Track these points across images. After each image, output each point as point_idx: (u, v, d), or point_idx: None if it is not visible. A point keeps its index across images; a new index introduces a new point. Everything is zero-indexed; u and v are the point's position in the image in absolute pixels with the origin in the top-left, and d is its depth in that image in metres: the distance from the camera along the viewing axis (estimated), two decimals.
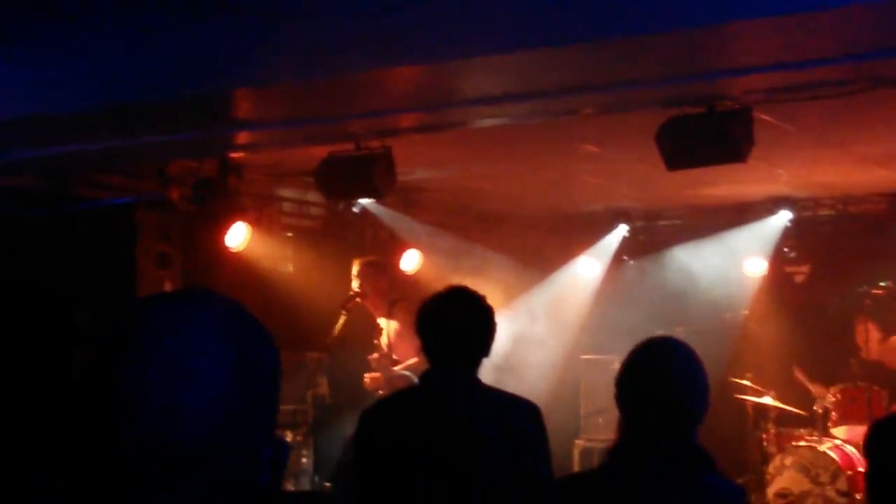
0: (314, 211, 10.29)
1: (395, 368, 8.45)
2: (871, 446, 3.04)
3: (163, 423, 1.32)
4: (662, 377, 3.19)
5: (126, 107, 5.89)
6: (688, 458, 3.15)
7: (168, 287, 8.46)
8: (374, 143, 7.20)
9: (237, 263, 8.81)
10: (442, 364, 4.14)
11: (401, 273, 10.73)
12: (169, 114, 6.17)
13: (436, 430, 4.02)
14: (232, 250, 8.72)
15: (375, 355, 8.65)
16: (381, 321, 8.74)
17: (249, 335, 1.45)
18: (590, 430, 11.22)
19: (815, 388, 9.86)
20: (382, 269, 8.98)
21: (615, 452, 3.28)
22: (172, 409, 1.33)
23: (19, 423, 2.34)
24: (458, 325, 4.15)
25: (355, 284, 8.60)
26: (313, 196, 9.53)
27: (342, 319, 8.52)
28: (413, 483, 4.00)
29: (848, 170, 9.51)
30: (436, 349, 4.16)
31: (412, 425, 4.09)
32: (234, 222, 8.67)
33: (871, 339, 9.81)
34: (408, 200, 10.47)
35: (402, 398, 4.31)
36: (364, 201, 9.67)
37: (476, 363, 4.18)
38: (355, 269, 8.71)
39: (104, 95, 5.78)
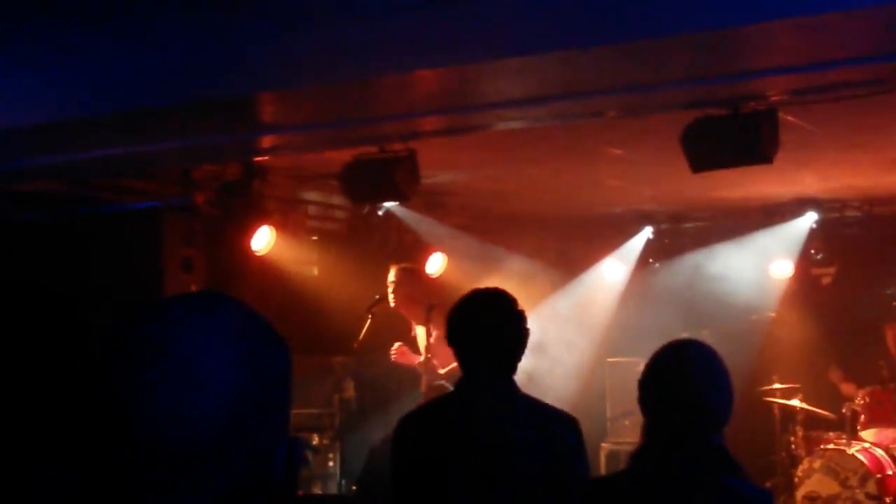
0: (339, 214, 10.30)
1: (441, 371, 8.42)
2: None
3: (167, 425, 1.32)
4: (685, 379, 3.20)
5: (150, 111, 5.91)
6: (712, 461, 3.15)
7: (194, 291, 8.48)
8: (398, 146, 7.21)
9: (262, 267, 8.83)
10: (475, 371, 4.09)
11: (426, 276, 10.73)
12: (193, 118, 6.19)
13: (469, 437, 3.99)
14: (257, 254, 8.74)
15: (396, 345, 8.66)
16: (419, 328, 8.74)
17: (258, 337, 1.44)
18: (616, 432, 11.18)
19: (848, 389, 9.80)
20: (418, 276, 8.99)
21: (639, 456, 3.28)
22: (177, 412, 1.32)
23: (20, 424, 2.35)
24: (488, 328, 4.06)
25: (391, 290, 8.61)
26: (338, 199, 9.55)
27: (368, 323, 8.52)
28: (447, 491, 3.98)
29: (874, 171, 9.45)
30: (467, 355, 4.10)
31: (446, 433, 4.06)
32: (258, 226, 8.69)
33: None
34: (432, 203, 10.47)
35: (437, 406, 4.29)
36: (388, 204, 9.68)
37: (510, 368, 4.09)
38: (391, 275, 8.71)
39: (127, 100, 5.80)
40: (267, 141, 7.40)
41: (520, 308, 4.18)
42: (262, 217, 8.72)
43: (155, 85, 5.68)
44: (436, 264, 10.81)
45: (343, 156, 7.50)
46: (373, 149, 7.28)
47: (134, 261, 8.24)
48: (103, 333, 1.41)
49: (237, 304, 1.47)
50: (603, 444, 11.22)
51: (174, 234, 8.53)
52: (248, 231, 8.64)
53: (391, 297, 8.64)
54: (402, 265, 8.87)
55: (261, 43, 5.38)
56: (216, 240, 8.74)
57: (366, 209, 9.92)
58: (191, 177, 8.38)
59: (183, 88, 5.64)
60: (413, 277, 8.80)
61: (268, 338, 1.47)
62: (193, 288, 8.52)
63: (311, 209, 10.10)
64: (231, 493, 1.36)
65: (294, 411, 8.84)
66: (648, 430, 3.28)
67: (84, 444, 1.35)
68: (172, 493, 1.32)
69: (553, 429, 4.02)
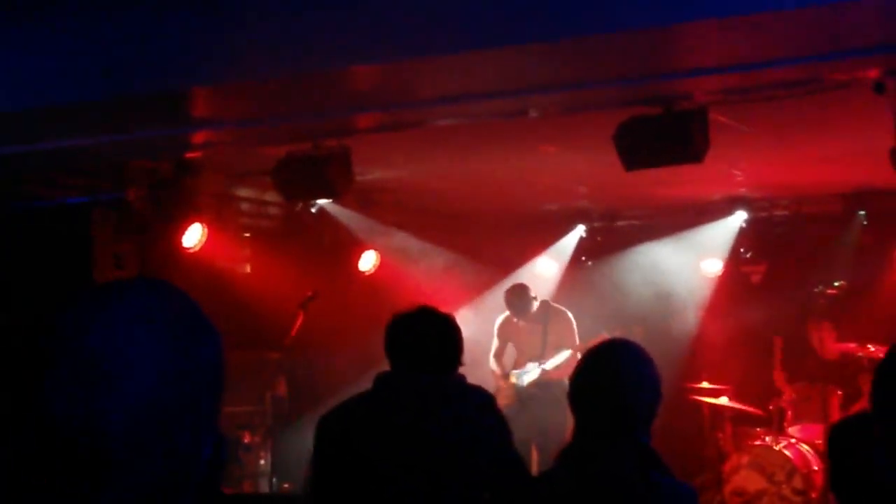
0: (272, 211, 10.24)
1: None
2: (829, 449, 3.08)
3: (81, 424, 1.24)
4: (611, 378, 3.25)
5: (81, 106, 5.83)
6: (638, 459, 3.19)
7: None
8: (332, 143, 7.18)
9: (194, 264, 8.76)
10: (400, 370, 4.12)
11: (358, 273, 10.72)
12: (125, 113, 6.12)
13: (390, 429, 4.00)
14: (189, 250, 8.67)
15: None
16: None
17: (186, 328, 1.38)
18: None
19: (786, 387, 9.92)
20: None
21: (565, 453, 3.31)
22: (90, 410, 1.25)
23: None
24: (425, 349, 4.11)
25: None
26: (271, 196, 9.50)
27: (300, 319, 8.50)
28: (371, 484, 3.98)
29: (803, 170, 9.59)
30: (399, 365, 4.13)
31: (367, 428, 4.06)
32: (190, 222, 8.63)
33: (826, 339, 9.89)
34: (366, 200, 10.45)
35: (356, 402, 4.27)
36: (322, 201, 9.66)
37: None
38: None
39: (59, 95, 5.72)
40: (199, 137, 7.35)
41: (456, 325, 4.24)
42: (194, 213, 8.65)
43: (86, 80, 5.61)
44: (368, 262, 10.80)
45: (277, 152, 7.46)
46: (306, 145, 7.25)
47: (65, 256, 8.13)
48: (25, 329, 1.35)
49: (167, 292, 1.40)
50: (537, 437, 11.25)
51: (105, 229, 8.43)
52: (180, 227, 8.57)
53: None
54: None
55: (194, 38, 5.34)
56: (148, 236, 8.66)
57: (299, 206, 9.89)
58: (123, 172, 8.29)
59: (115, 83, 5.58)
60: None
61: (197, 328, 1.40)
62: None
63: (244, 206, 10.04)
64: (152, 491, 1.31)
65: (225, 408, 8.85)
66: (577, 429, 3.32)
67: None
68: (89, 493, 1.28)
69: (471, 411, 4.08)
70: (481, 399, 4.15)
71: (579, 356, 8.11)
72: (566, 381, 3.35)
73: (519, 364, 9.84)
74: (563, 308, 9.95)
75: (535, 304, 9.80)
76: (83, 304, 1.35)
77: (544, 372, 9.62)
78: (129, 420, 1.28)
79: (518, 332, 9.90)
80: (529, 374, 9.69)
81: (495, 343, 10.04)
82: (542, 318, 9.77)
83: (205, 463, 1.36)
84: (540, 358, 9.67)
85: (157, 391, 1.29)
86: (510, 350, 10.04)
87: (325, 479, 4.10)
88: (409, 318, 4.19)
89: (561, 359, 9.55)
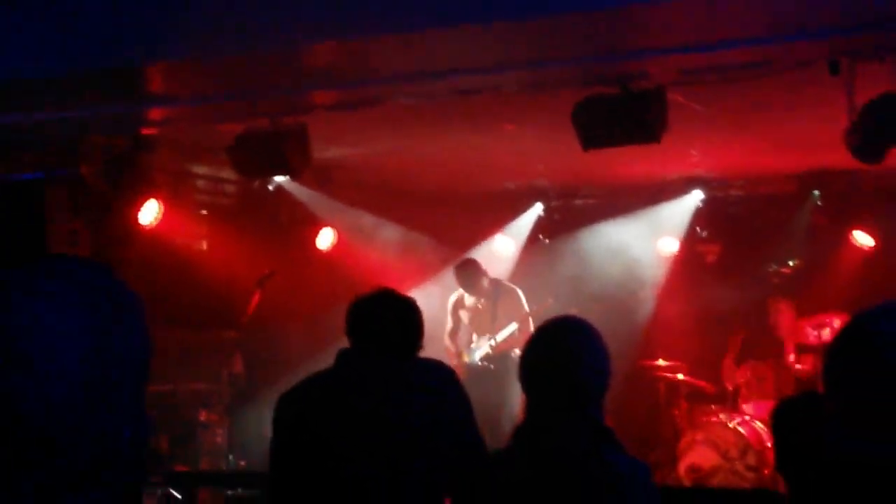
0: (229, 188, 10.19)
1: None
2: (774, 427, 3.11)
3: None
4: (561, 354, 3.27)
5: (36, 81, 5.78)
6: (590, 435, 3.21)
7: None
8: (289, 120, 7.15)
9: (150, 241, 8.71)
10: (361, 351, 4.11)
11: (316, 251, 10.69)
12: (80, 88, 6.07)
13: (350, 407, 3.99)
14: (144, 227, 8.61)
15: None
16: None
17: (109, 312, 1.35)
18: None
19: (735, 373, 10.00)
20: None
21: (518, 431, 3.33)
22: (6, 391, 1.22)
23: None
24: (386, 332, 4.09)
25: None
26: (228, 173, 9.44)
27: (257, 297, 8.48)
28: (332, 463, 3.97)
29: (758, 151, 9.66)
30: (359, 346, 4.12)
31: (326, 406, 4.05)
32: (146, 199, 8.56)
33: (784, 318, 9.99)
34: (324, 178, 10.41)
35: (315, 380, 4.26)
36: (279, 179, 9.62)
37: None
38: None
39: (13, 69, 5.66)
40: (155, 113, 7.30)
41: (417, 308, 4.23)
42: (150, 190, 8.59)
43: (43, 54, 5.56)
44: (326, 239, 10.78)
45: (234, 129, 7.41)
46: (263, 122, 7.21)
47: (17, 233, 8.05)
48: None
49: (93, 272, 1.38)
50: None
51: (60, 206, 8.36)
52: (136, 204, 8.50)
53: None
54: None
55: (150, 13, 5.30)
56: (103, 213, 8.59)
57: (256, 184, 9.84)
58: (78, 148, 8.21)
59: (70, 58, 5.53)
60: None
61: (123, 311, 1.38)
62: None
63: (201, 183, 9.97)
64: (76, 472, 1.29)
65: (182, 386, 8.78)
66: (529, 406, 3.34)
67: None
68: (13, 473, 1.26)
69: (433, 393, 4.07)
70: (443, 375, 4.15)
71: (532, 328, 8.16)
72: (517, 353, 3.35)
73: (471, 341, 10.06)
74: (514, 286, 10.14)
75: (486, 281, 9.91)
76: (5, 282, 1.32)
77: (495, 346, 9.84)
78: (47, 401, 1.25)
79: (470, 309, 10.10)
80: (481, 349, 9.91)
81: (449, 322, 10.19)
82: (492, 295, 9.95)
83: (126, 441, 1.34)
84: (490, 333, 9.87)
85: (79, 372, 1.27)
86: (464, 328, 10.19)
87: (284, 458, 4.09)
88: (371, 301, 4.18)
89: (509, 330, 9.77)
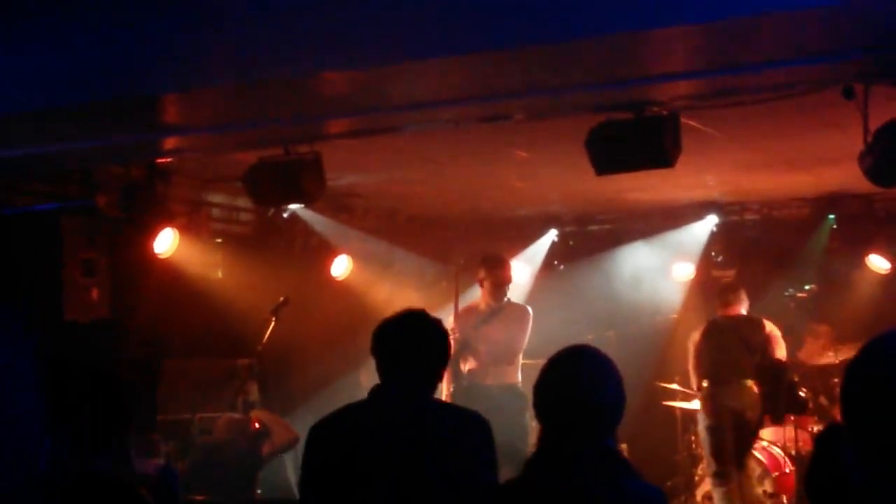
0: (244, 217, 10.22)
1: None
2: (814, 452, 3.09)
3: None
4: (573, 382, 3.28)
5: (51, 112, 5.80)
6: (604, 463, 3.21)
7: (95, 295, 8.35)
8: (304, 148, 7.17)
9: (165, 270, 8.73)
10: (392, 380, 4.11)
11: (331, 279, 10.70)
12: (95, 118, 6.10)
13: (384, 444, 3.99)
14: (160, 257, 8.63)
15: None
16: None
17: (9, 337, 1.39)
18: None
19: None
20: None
21: (532, 460, 3.32)
22: None
23: None
24: (413, 351, 4.11)
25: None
26: (243, 202, 9.47)
27: (272, 325, 8.48)
28: (360, 497, 3.97)
29: (772, 175, 9.64)
30: (390, 371, 4.13)
31: (359, 438, 4.05)
32: (162, 228, 8.58)
33: (821, 341, 10.00)
34: (338, 206, 10.44)
35: (349, 411, 4.26)
36: (294, 207, 9.64)
37: (430, 385, 4.16)
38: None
39: (29, 100, 5.69)
40: (171, 142, 7.31)
41: (444, 329, 4.24)
42: (165, 219, 8.61)
43: (57, 85, 5.58)
44: (341, 267, 10.79)
45: (249, 158, 7.44)
46: (278, 151, 7.23)
47: (34, 264, 8.08)
48: None
49: None
50: None
51: (75, 236, 8.38)
52: (152, 233, 8.52)
53: None
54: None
55: (165, 43, 5.32)
56: (118, 242, 8.61)
57: (271, 212, 9.87)
58: (93, 178, 8.24)
59: (85, 88, 5.55)
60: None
61: (19, 332, 1.41)
62: (95, 291, 8.38)
63: (216, 211, 10.00)
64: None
65: (199, 415, 8.76)
66: (543, 435, 3.34)
67: None
68: None
69: (463, 427, 4.07)
70: (476, 417, 4.14)
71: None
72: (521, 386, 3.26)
73: (475, 366, 8.99)
74: (525, 305, 9.33)
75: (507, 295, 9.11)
76: None
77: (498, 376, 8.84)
78: None
79: (477, 327, 9.04)
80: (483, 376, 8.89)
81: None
82: (498, 312, 9.01)
83: (46, 452, 1.39)
84: (498, 356, 8.90)
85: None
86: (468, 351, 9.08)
87: (313, 489, 4.09)
88: (398, 322, 4.20)
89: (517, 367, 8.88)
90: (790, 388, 9.10)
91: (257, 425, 8.30)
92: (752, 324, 9.27)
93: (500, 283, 8.99)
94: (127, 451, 3.54)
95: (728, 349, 9.12)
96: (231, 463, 7.66)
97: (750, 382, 8.98)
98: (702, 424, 9.12)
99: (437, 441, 4.00)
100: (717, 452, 8.93)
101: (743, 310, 9.37)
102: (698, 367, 9.20)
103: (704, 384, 9.05)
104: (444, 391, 8.67)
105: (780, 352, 9.12)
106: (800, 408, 9.24)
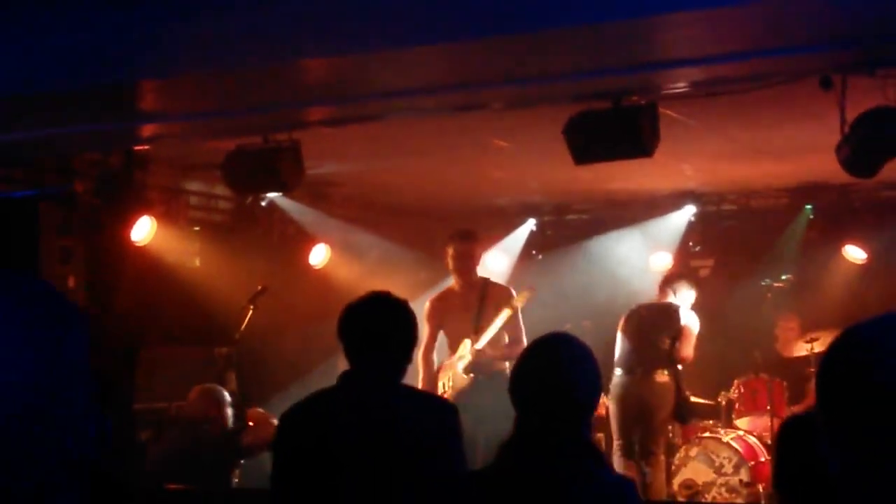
0: (222, 205, 10.19)
1: None
2: (778, 443, 3.12)
3: None
4: (549, 371, 3.29)
5: (28, 99, 5.77)
6: (576, 452, 3.23)
7: (72, 283, 8.31)
8: (282, 136, 7.16)
9: (143, 258, 8.70)
10: (360, 365, 4.12)
11: (309, 267, 10.68)
12: (72, 106, 6.07)
13: (355, 427, 4.00)
14: (137, 244, 8.61)
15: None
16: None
17: (51, 324, 1.36)
18: None
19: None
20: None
21: (506, 447, 3.33)
22: None
23: None
24: (380, 332, 4.12)
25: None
26: (221, 190, 9.44)
27: (250, 314, 8.47)
28: (333, 483, 3.97)
29: (750, 165, 9.68)
30: (358, 354, 4.14)
31: (331, 425, 4.06)
32: (139, 216, 8.56)
33: (792, 334, 10.03)
34: (316, 194, 10.42)
35: (320, 399, 4.27)
36: (272, 195, 9.62)
37: (398, 367, 4.16)
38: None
39: (2, 86, 5.66)
40: (148, 129, 7.29)
41: (411, 310, 4.25)
42: (143, 207, 8.59)
43: (34, 72, 5.56)
44: (319, 256, 10.77)
45: (227, 145, 7.42)
46: (256, 138, 7.21)
47: (9, 251, 8.02)
48: None
49: (29, 285, 1.39)
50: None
51: (51, 223, 8.34)
52: (129, 221, 8.49)
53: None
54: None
55: (142, 30, 5.30)
56: (95, 230, 8.57)
57: (249, 200, 9.84)
58: (70, 165, 8.20)
59: (62, 76, 5.52)
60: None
61: (64, 319, 1.38)
62: (71, 279, 8.35)
63: (194, 199, 9.97)
64: (49, 476, 1.29)
65: (175, 403, 8.75)
66: (518, 423, 3.34)
67: None
68: None
69: (434, 413, 4.13)
70: (446, 404, 4.18)
71: (522, 325, 7.94)
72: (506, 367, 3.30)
73: (451, 351, 8.69)
74: (507, 285, 9.05)
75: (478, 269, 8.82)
76: None
77: (480, 353, 8.43)
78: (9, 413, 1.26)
79: (451, 310, 8.71)
80: (463, 360, 8.52)
81: (426, 331, 8.47)
82: (480, 289, 8.66)
83: (91, 441, 1.35)
84: (475, 334, 8.49)
85: (23, 384, 1.28)
86: (441, 339, 8.86)
87: (284, 477, 4.09)
88: (363, 304, 4.20)
89: (500, 321, 8.41)
90: (679, 390, 9.01)
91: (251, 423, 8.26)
92: (668, 311, 9.23)
93: (460, 255, 8.62)
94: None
95: (640, 337, 9.10)
96: (207, 446, 7.62)
97: (659, 373, 8.97)
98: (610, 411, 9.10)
99: (408, 426, 4.01)
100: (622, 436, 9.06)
101: (673, 299, 9.34)
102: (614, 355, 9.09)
103: (616, 372, 8.98)
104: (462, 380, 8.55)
105: (687, 349, 9.07)
106: (680, 416, 9.17)
